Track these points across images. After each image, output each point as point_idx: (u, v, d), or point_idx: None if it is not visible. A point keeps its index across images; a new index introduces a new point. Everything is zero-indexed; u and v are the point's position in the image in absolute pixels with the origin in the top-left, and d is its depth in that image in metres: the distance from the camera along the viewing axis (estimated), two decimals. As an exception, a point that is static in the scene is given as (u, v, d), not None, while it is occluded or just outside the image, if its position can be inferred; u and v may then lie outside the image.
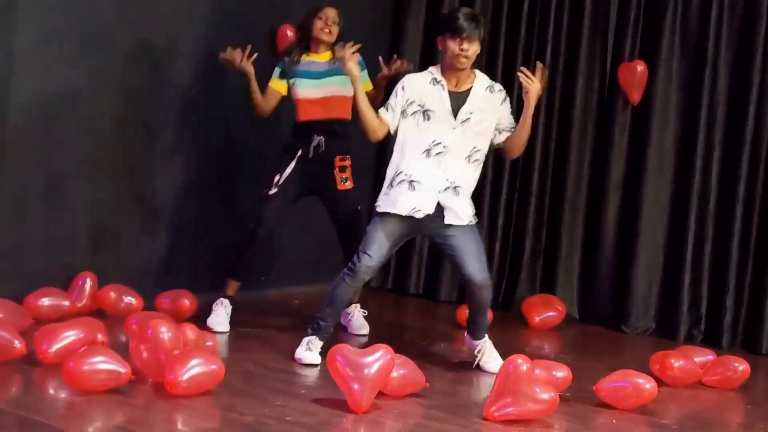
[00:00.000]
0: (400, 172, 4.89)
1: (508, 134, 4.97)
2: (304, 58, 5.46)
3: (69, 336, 4.38)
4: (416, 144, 4.88)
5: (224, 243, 6.08)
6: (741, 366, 5.21)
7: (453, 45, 4.82)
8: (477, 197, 5.36)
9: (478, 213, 5.20)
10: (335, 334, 5.14)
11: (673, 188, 6.48)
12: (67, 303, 5.19)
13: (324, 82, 5.42)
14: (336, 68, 5.29)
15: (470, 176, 4.96)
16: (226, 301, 5.49)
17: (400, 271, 7.08)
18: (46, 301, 5.12)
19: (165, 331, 4.19)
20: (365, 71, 5.38)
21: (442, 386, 4.75)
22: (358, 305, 5.71)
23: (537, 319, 6.32)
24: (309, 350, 4.87)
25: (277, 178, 5.41)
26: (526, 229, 6.80)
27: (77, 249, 5.54)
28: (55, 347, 4.33)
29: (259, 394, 4.24)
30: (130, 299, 5.44)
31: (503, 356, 4.61)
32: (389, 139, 5.03)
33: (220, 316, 5.43)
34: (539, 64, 5.00)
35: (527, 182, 6.80)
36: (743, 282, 6.26)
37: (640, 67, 6.46)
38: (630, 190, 6.58)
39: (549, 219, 6.80)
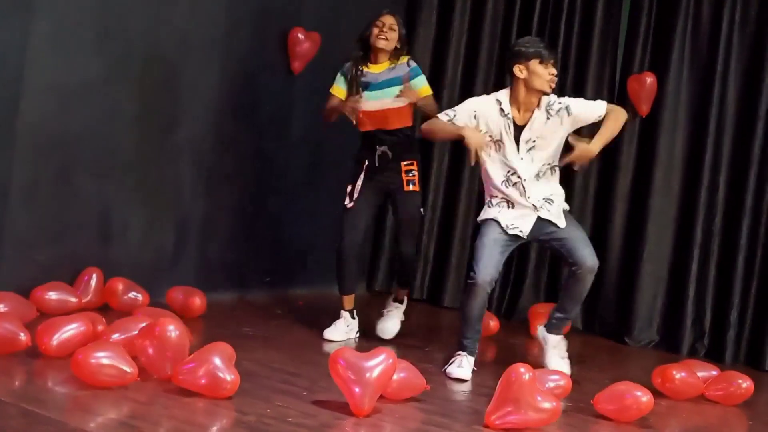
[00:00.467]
0: (495, 196, 5.11)
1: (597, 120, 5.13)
2: (364, 69, 5.52)
3: (70, 329, 4.39)
4: (495, 175, 5.10)
5: (232, 241, 6.09)
6: (745, 383, 5.17)
7: (543, 70, 4.98)
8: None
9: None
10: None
11: (680, 201, 6.49)
12: (74, 299, 5.21)
13: (380, 95, 5.49)
14: (391, 79, 5.44)
15: (553, 182, 5.17)
16: (346, 314, 5.60)
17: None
18: (53, 296, 5.15)
19: (172, 330, 4.21)
20: (422, 76, 5.51)
21: (443, 392, 4.75)
22: (402, 308, 5.81)
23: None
24: (460, 367, 4.99)
25: (349, 188, 5.56)
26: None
27: (86, 242, 5.52)
28: (56, 339, 4.34)
29: (261, 394, 4.25)
30: (136, 294, 5.46)
31: (506, 365, 4.61)
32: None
33: (339, 326, 5.56)
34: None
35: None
36: (748, 297, 6.26)
37: (650, 79, 6.47)
38: (636, 202, 6.59)
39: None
